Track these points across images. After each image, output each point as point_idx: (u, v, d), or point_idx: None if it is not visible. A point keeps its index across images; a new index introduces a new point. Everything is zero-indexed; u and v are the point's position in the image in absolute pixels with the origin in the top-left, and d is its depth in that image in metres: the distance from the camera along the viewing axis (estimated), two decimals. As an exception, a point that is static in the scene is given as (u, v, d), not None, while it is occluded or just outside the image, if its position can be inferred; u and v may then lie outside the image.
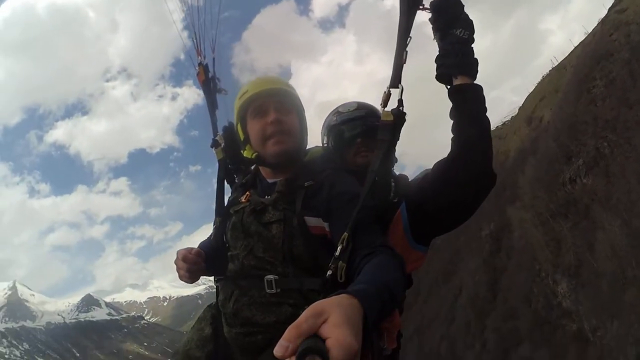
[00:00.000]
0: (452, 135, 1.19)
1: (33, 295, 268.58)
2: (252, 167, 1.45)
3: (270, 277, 1.15)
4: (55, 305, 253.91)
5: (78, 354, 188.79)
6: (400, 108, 1.21)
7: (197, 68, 1.60)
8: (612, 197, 6.24)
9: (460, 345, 10.09)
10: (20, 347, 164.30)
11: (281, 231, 1.18)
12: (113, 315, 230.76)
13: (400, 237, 1.27)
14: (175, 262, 1.33)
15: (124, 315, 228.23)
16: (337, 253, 1.06)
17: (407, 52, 1.18)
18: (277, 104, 1.30)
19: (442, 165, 1.22)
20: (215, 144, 1.51)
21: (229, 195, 1.46)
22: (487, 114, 1.18)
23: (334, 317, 0.59)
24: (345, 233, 1.07)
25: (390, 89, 1.21)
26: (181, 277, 1.33)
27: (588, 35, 12.96)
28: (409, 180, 1.48)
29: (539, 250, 7.82)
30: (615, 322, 5.42)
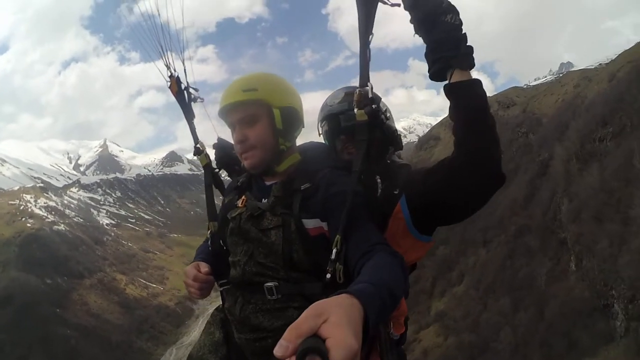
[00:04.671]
0: (457, 137, 1.13)
1: (122, 151, 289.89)
2: None
3: (270, 284, 1.17)
4: (142, 160, 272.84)
5: (162, 202, 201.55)
6: (373, 106, 1.20)
7: (168, 81, 1.59)
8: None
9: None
10: (113, 194, 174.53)
11: (280, 237, 1.18)
12: (194, 171, 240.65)
13: (402, 229, 1.26)
14: (185, 282, 1.34)
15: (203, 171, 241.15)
16: (333, 256, 1.08)
17: (370, 50, 1.15)
18: (240, 121, 1.25)
19: (447, 169, 1.16)
20: (197, 152, 1.59)
21: (225, 197, 1.47)
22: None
23: (334, 317, 0.59)
24: (338, 236, 1.08)
25: (361, 89, 1.19)
26: (191, 295, 1.34)
27: None
28: (411, 169, 1.41)
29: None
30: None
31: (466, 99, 1.07)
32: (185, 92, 1.58)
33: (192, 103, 1.61)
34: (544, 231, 28.40)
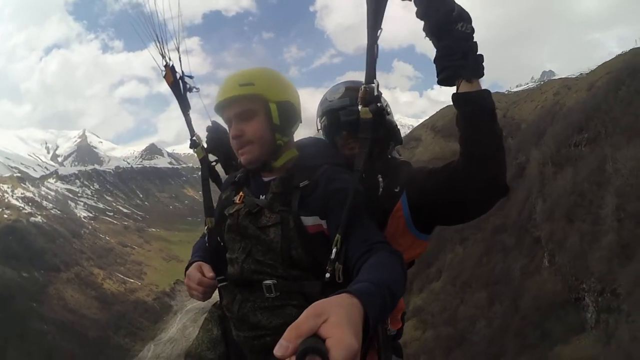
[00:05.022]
0: (462, 148, 1.11)
1: (101, 142, 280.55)
2: None
3: (269, 282, 1.16)
4: (122, 152, 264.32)
5: (141, 195, 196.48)
6: (378, 104, 1.19)
7: (163, 70, 1.53)
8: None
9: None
10: (91, 187, 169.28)
11: (279, 234, 1.17)
12: (174, 165, 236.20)
13: (402, 228, 1.26)
14: (188, 284, 1.31)
15: (184, 165, 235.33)
16: (332, 256, 1.07)
17: (378, 45, 1.12)
18: (236, 116, 1.23)
19: (451, 173, 1.15)
20: (194, 144, 1.54)
21: (222, 192, 1.44)
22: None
23: (334, 317, 0.59)
24: (338, 235, 1.07)
25: (367, 86, 1.17)
26: (194, 297, 1.32)
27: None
28: (412, 167, 1.40)
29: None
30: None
31: (473, 109, 1.06)
32: (180, 81, 1.53)
33: (188, 93, 1.56)
34: (519, 230, 29.95)
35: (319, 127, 1.54)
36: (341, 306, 0.62)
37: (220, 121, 1.39)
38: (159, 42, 1.50)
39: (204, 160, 1.52)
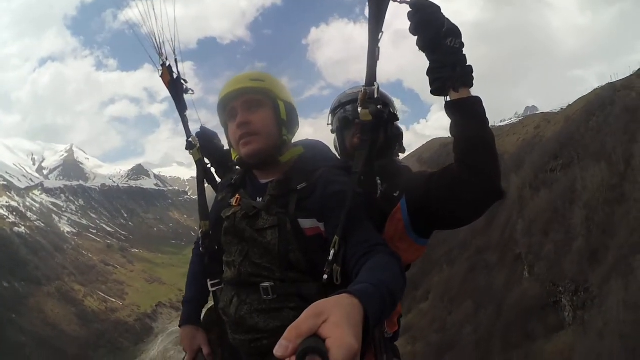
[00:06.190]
0: (455, 154, 1.14)
1: (88, 159, 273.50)
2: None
3: (266, 284, 1.15)
4: (108, 170, 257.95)
5: (126, 215, 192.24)
6: (379, 106, 1.19)
7: (159, 69, 1.53)
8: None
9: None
10: (76, 202, 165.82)
11: (276, 237, 1.16)
12: (160, 187, 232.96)
13: (400, 232, 1.26)
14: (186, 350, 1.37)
15: (170, 188, 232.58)
16: (330, 257, 1.06)
17: (379, 48, 1.13)
18: (244, 104, 1.22)
19: (449, 179, 1.17)
20: (190, 146, 1.52)
21: (217, 194, 1.43)
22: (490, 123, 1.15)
23: (334, 317, 0.59)
24: (336, 237, 1.06)
25: (367, 88, 1.17)
26: None
27: None
28: (411, 172, 1.41)
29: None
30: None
31: (463, 116, 1.10)
32: (177, 82, 1.55)
33: (184, 95, 1.57)
34: (502, 248, 32.51)
35: (329, 123, 1.58)
36: (341, 306, 0.62)
37: (219, 128, 1.40)
38: (156, 41, 1.49)
39: (199, 162, 1.50)
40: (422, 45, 1.10)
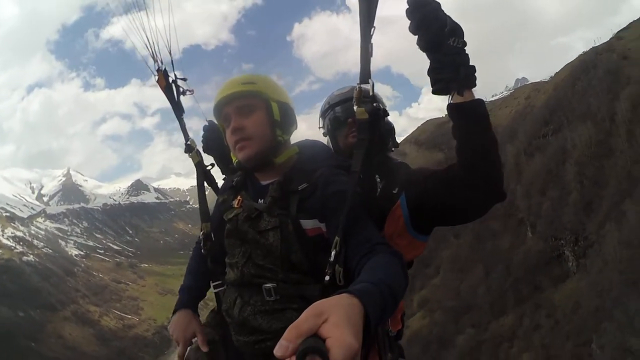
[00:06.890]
0: (457, 157, 1.13)
1: (86, 180, 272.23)
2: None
3: (269, 285, 1.15)
4: (107, 189, 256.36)
5: (131, 231, 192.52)
6: (375, 104, 1.18)
7: (155, 75, 1.51)
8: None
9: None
10: (80, 225, 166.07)
11: (278, 238, 1.15)
12: (161, 199, 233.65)
13: (400, 229, 1.25)
14: (174, 336, 1.33)
15: (171, 200, 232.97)
16: (332, 258, 1.05)
17: (372, 44, 1.10)
18: (236, 109, 1.21)
19: (450, 179, 1.16)
20: (188, 149, 1.51)
21: (219, 196, 1.43)
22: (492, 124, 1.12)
23: (334, 317, 0.59)
24: (337, 237, 1.06)
25: (362, 85, 1.15)
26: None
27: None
28: (409, 169, 1.40)
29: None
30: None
31: (466, 120, 1.07)
32: (173, 85, 1.53)
33: (181, 97, 1.55)
34: (504, 216, 34.07)
35: (320, 126, 1.59)
36: (341, 306, 0.62)
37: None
38: (149, 45, 1.48)
39: (199, 165, 1.51)
40: (424, 46, 1.06)
